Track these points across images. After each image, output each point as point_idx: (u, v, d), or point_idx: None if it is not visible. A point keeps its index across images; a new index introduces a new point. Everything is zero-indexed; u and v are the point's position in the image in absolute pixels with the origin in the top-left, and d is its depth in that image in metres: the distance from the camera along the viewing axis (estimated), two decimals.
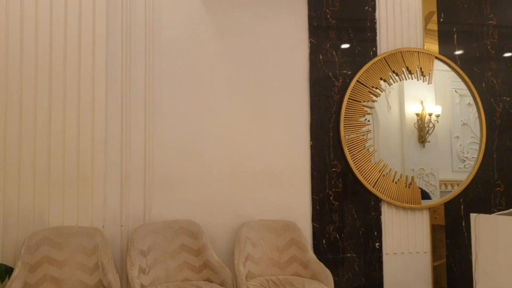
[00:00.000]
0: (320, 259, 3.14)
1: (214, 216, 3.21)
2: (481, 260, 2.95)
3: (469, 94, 3.76)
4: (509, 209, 3.12)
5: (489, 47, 3.78)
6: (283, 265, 3.17)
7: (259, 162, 3.34)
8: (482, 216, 2.95)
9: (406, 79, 3.64)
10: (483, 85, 3.75)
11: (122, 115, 3.08)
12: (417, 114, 3.74)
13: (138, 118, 3.12)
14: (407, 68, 3.62)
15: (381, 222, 3.47)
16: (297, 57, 3.46)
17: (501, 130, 3.75)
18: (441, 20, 3.71)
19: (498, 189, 3.70)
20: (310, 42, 3.47)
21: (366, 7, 3.58)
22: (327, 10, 3.51)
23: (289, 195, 3.37)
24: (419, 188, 3.60)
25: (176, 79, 3.24)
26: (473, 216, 3.04)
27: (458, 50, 3.74)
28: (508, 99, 3.78)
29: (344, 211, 3.42)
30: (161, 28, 3.23)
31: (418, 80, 3.65)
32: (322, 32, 3.49)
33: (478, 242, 2.97)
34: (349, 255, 3.39)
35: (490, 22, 3.80)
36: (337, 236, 3.39)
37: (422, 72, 3.65)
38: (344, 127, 3.46)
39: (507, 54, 3.83)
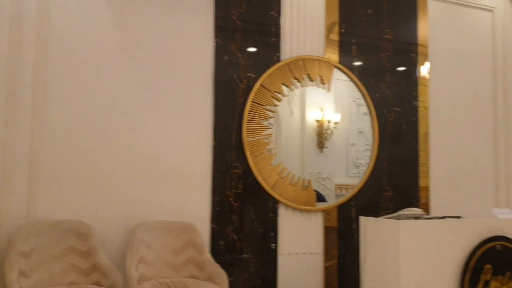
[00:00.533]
0: (217, 261, 3.13)
1: (107, 217, 3.06)
2: (369, 261, 3.12)
3: (365, 103, 3.96)
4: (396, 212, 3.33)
5: (384, 60, 4.02)
6: (178, 267, 3.11)
7: (159, 161, 3.25)
8: (370, 219, 3.13)
9: (307, 86, 3.75)
10: (377, 95, 3.98)
11: (5, 108, 2.84)
12: (317, 121, 3.88)
13: (25, 111, 2.90)
14: (308, 75, 3.74)
15: (277, 224, 3.54)
16: (202, 56, 3.42)
17: (392, 139, 4.01)
18: (342, 31, 3.88)
19: (387, 194, 3.94)
20: (216, 42, 3.45)
21: (272, 12, 3.65)
22: (234, 12, 3.51)
23: (188, 196, 3.32)
24: (315, 191, 3.72)
25: (70, 71, 3.06)
26: (362, 219, 3.20)
27: (357, 61, 3.93)
28: (400, 110, 4.05)
29: (243, 213, 3.44)
30: (56, 17, 3.02)
31: (318, 87, 3.79)
32: (228, 33, 3.49)
33: (366, 243, 3.14)
34: (246, 256, 3.42)
35: (386, 36, 4.05)
36: (236, 237, 3.40)
37: (322, 80, 3.79)
38: (247, 129, 3.49)
39: (400, 68, 4.10)
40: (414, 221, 2.90)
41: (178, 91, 3.34)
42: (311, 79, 3.75)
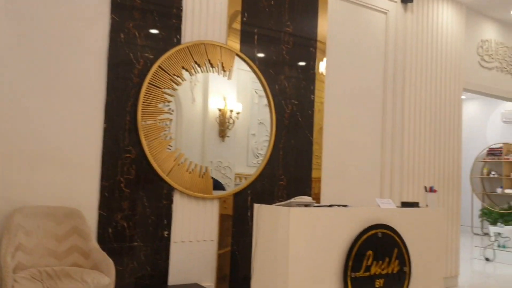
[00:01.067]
0: (104, 249, 2.98)
1: None
2: (259, 246, 3.16)
3: (265, 94, 4.01)
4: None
5: (284, 52, 4.10)
6: (61, 255, 2.91)
7: (42, 141, 3.01)
8: (263, 206, 3.17)
9: (207, 72, 3.70)
10: (276, 87, 4.05)
11: None
12: (220, 109, 3.85)
13: None
14: (209, 60, 3.69)
15: (171, 211, 3.46)
16: (96, 32, 3.22)
17: (288, 130, 4.10)
18: (245, 20, 3.89)
19: (281, 183, 4.03)
20: (112, 18, 3.27)
21: None
22: None
23: (75, 180, 3.11)
24: (213, 179, 3.70)
25: None
26: (256, 206, 3.24)
27: (258, 51, 3.96)
28: (296, 102, 4.16)
29: (135, 199, 3.31)
30: None
31: (219, 74, 3.75)
32: (126, 10, 3.32)
33: (258, 230, 3.18)
34: (136, 244, 3.29)
35: (287, 29, 4.12)
36: (125, 224, 3.26)
37: (223, 67, 3.76)
38: (142, 112, 3.35)
39: (299, 62, 4.20)
40: (304, 208, 2.98)
41: (67, 67, 3.11)
42: (212, 65, 3.70)
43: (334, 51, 4.47)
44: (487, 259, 7.21)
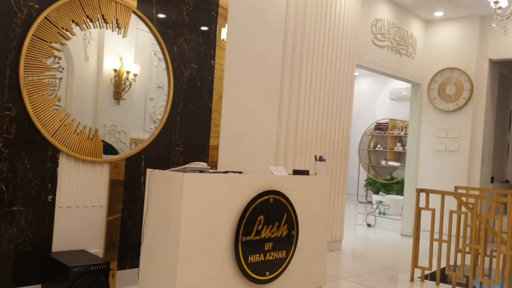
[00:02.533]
0: None
1: None
2: (151, 213, 3.09)
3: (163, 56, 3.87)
4: None
5: (184, 14, 3.97)
6: None
7: None
8: (157, 171, 3.10)
9: (100, 28, 3.47)
10: (175, 49, 3.92)
11: None
12: (115, 70, 3.65)
13: None
14: (103, 16, 3.45)
15: (57, 174, 3.25)
16: None
17: (187, 94, 4.02)
18: None
19: (178, 148, 3.97)
20: None
21: None
22: None
23: None
24: (103, 142, 3.52)
25: None
26: (148, 171, 3.16)
27: (157, 10, 3.79)
28: (196, 66, 4.08)
29: (15, 161, 3.05)
30: None
31: (113, 31, 3.54)
32: None
33: (150, 195, 3.11)
34: (16, 208, 3.05)
35: None
36: (4, 188, 3.00)
37: (118, 24, 3.55)
38: (25, 67, 3.06)
39: (199, 26, 4.09)
40: (199, 174, 2.97)
41: None
42: (106, 21, 3.47)
43: (236, 18, 4.43)
44: (368, 225, 7.83)
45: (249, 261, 3.21)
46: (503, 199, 4.90)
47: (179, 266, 2.82)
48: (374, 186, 10.39)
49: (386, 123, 10.74)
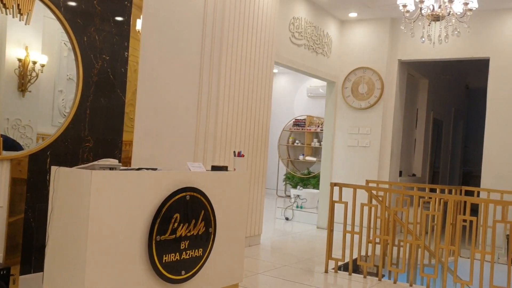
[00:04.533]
0: None
1: None
2: (56, 213, 2.90)
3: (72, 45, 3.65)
4: None
5: (95, 2, 3.76)
6: None
7: None
8: (63, 169, 2.90)
9: (6, 15, 3.19)
10: (85, 39, 3.70)
11: None
12: (20, 60, 3.38)
13: None
14: (2, 1, 3.17)
15: None
16: None
17: (98, 87, 3.82)
18: None
19: (87, 144, 3.76)
20: None
21: None
22: None
23: None
24: (3, 136, 3.25)
25: None
26: (53, 169, 2.95)
27: None
28: (108, 58, 3.88)
29: None
30: None
31: (14, 17, 3.26)
32: None
33: (55, 194, 2.90)
34: None
35: None
36: None
37: (19, 10, 3.28)
38: None
39: (111, 15, 3.90)
40: (109, 171, 2.82)
41: None
42: (5, 6, 3.19)
43: (151, 9, 4.28)
44: (286, 219, 7.99)
45: (163, 261, 3.11)
46: (409, 192, 5.20)
47: (87, 268, 2.66)
48: (293, 180, 10.63)
49: (304, 119, 11.02)
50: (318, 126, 10.70)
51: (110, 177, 2.80)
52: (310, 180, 10.32)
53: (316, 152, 10.77)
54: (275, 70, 11.01)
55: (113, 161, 2.95)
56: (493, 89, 6.65)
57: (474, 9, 4.72)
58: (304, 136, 10.98)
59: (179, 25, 4.60)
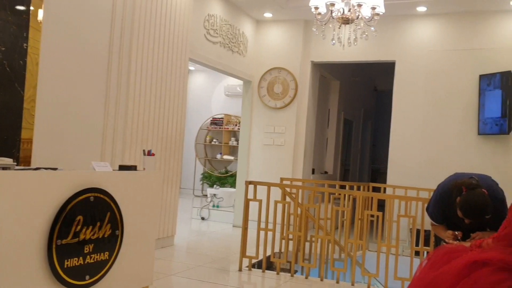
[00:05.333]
0: None
1: None
2: None
3: None
4: None
5: None
6: None
7: None
8: None
9: None
10: None
11: None
12: None
13: None
14: None
15: None
16: None
17: None
18: None
19: None
20: None
21: None
22: None
23: None
24: None
25: None
26: None
27: None
28: (4, 49, 3.58)
29: None
30: None
31: None
32: None
33: None
34: None
35: None
36: None
37: None
38: None
39: (7, 3, 3.60)
40: (1, 171, 2.58)
41: None
42: None
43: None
44: (202, 218, 7.92)
45: (65, 266, 2.91)
46: (320, 189, 5.35)
47: None
48: (210, 179, 10.56)
49: (222, 118, 11.00)
50: (236, 125, 10.72)
51: (3, 177, 2.56)
52: (227, 179, 10.32)
53: (234, 151, 10.79)
54: (191, 68, 10.87)
55: (8, 160, 2.73)
56: (398, 90, 7.05)
57: (381, 13, 4.95)
58: (222, 135, 10.96)
59: (85, 17, 4.36)
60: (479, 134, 6.47)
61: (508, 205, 2.71)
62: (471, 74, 6.56)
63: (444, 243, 3.11)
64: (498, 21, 6.45)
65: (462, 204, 2.85)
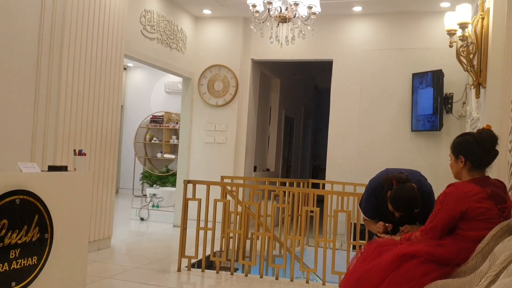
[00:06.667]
0: None
1: None
2: None
3: None
4: None
5: None
6: None
7: None
8: None
9: None
10: None
11: None
12: None
13: None
14: None
15: None
16: None
17: None
18: None
19: None
20: None
21: None
22: None
23: None
24: None
25: None
26: None
27: None
28: None
29: None
30: None
31: None
32: None
33: None
34: None
35: None
36: None
37: None
38: None
39: None
40: None
41: None
42: None
43: None
44: (142, 219, 7.74)
45: None
46: (260, 186, 5.38)
47: None
48: (151, 179, 10.35)
49: (162, 116, 10.80)
50: (177, 123, 10.56)
51: None
52: (168, 178, 10.15)
53: (175, 149, 10.62)
54: (130, 64, 10.60)
55: None
56: (335, 88, 7.21)
57: (317, 13, 5.03)
58: (162, 133, 10.76)
59: (11, 9, 4.12)
60: (412, 130, 6.75)
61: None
62: (405, 72, 6.83)
63: (376, 237, 3.21)
64: (430, 22, 6.74)
65: (392, 198, 2.94)
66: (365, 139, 6.99)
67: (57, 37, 4.56)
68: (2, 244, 2.83)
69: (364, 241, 4.29)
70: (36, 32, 4.38)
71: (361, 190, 5.51)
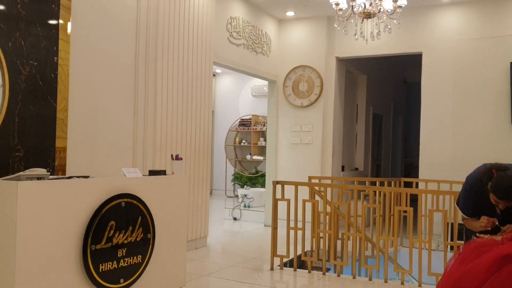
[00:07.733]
0: None
1: None
2: None
3: None
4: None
5: (19, 5, 3.60)
6: None
7: None
8: None
9: None
10: (10, 44, 3.54)
11: None
12: None
13: None
14: None
15: None
16: None
17: (26, 94, 3.66)
18: None
19: (17, 154, 3.59)
20: None
21: None
22: None
23: None
24: None
25: None
26: None
27: None
28: (36, 63, 3.73)
29: None
30: None
31: None
32: None
33: None
34: None
35: None
36: None
37: None
38: None
39: (37, 19, 3.75)
40: (36, 181, 2.71)
41: None
42: None
43: (81, 11, 4.14)
44: (234, 219, 8.00)
45: (100, 270, 3.03)
46: (348, 186, 5.33)
47: (17, 283, 2.55)
48: (241, 180, 10.64)
49: (250, 119, 11.06)
50: (264, 125, 10.76)
51: (38, 187, 2.69)
52: (258, 179, 10.37)
53: (263, 151, 10.83)
54: (218, 71, 10.98)
55: (41, 171, 2.85)
56: (426, 82, 6.93)
57: (403, 6, 4.89)
58: (251, 135, 11.02)
59: (111, 26, 4.49)
60: None
61: None
62: (501, 61, 6.40)
63: (475, 237, 3.06)
64: None
65: (495, 186, 2.74)
66: (461, 134, 6.65)
67: (151, 49, 4.89)
68: (110, 244, 3.11)
69: (462, 242, 4.09)
70: (133, 46, 4.73)
71: (458, 188, 5.24)
